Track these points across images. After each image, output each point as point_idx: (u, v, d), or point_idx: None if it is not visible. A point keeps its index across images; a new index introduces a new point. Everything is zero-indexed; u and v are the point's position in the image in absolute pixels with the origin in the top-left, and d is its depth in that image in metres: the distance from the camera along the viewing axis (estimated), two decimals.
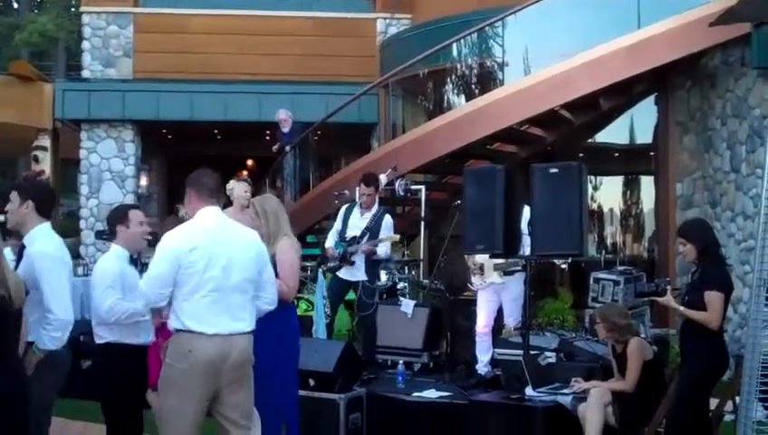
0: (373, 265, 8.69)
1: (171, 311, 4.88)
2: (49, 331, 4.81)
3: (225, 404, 4.87)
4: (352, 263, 8.62)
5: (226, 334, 4.79)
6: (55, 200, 5.31)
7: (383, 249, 8.71)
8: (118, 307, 5.19)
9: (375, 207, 8.80)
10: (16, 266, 4.94)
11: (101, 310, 5.22)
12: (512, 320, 7.92)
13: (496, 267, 7.86)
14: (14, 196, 5.09)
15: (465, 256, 8.24)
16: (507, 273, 7.87)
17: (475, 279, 8.12)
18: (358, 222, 8.73)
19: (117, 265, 5.35)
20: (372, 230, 8.68)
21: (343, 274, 8.69)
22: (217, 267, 4.80)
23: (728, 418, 6.47)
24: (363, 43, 15.65)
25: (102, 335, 5.33)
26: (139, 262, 5.64)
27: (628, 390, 6.16)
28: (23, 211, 5.06)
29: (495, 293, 8.02)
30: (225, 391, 4.83)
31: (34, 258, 4.90)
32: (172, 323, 4.85)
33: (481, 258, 7.99)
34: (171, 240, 4.89)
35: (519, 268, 7.81)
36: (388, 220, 8.77)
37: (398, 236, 8.69)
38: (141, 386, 5.43)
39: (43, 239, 5.02)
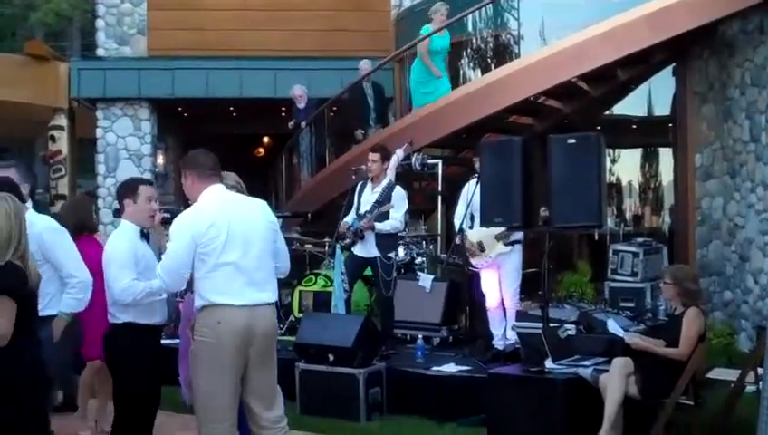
0: (385, 239, 8.49)
1: (194, 290, 4.88)
2: (74, 294, 4.90)
3: (254, 379, 4.88)
4: (362, 237, 8.51)
5: (253, 305, 4.81)
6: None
7: (391, 224, 8.45)
8: (132, 288, 5.08)
9: (385, 181, 8.64)
10: None
11: (115, 290, 5.11)
12: (510, 292, 7.89)
13: (498, 237, 7.85)
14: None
15: (460, 240, 8.22)
16: (509, 243, 7.86)
17: (475, 260, 8.10)
18: (369, 196, 8.62)
19: (128, 242, 5.23)
20: (381, 203, 8.48)
21: (358, 250, 8.59)
22: (237, 241, 4.82)
23: (750, 389, 6.43)
24: (378, 18, 15.54)
25: (117, 315, 5.22)
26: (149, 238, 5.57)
27: (681, 358, 6.06)
28: None
29: (497, 266, 7.99)
30: (253, 364, 4.85)
31: (39, 235, 4.91)
32: (197, 302, 4.85)
33: (476, 236, 7.98)
34: (185, 221, 4.89)
35: (515, 239, 7.83)
36: (398, 192, 8.54)
37: (391, 205, 8.40)
38: (156, 365, 5.38)
39: (38, 219, 5.09)
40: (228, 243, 4.79)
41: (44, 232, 4.96)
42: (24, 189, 5.27)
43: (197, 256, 4.79)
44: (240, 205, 5.06)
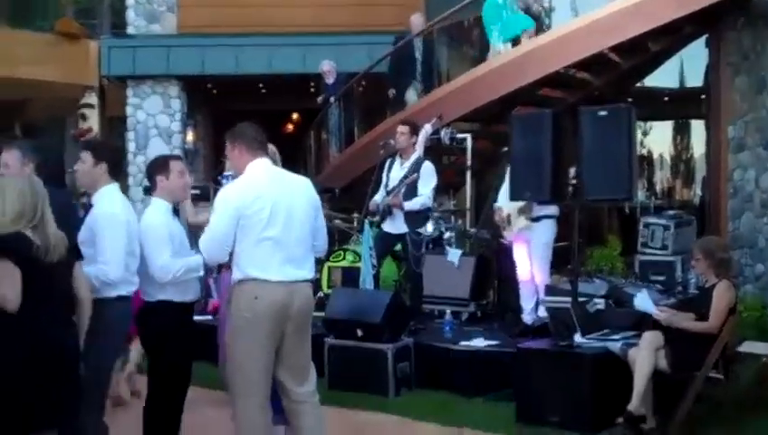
0: (414, 215, 8.46)
1: (234, 262, 4.88)
2: (97, 273, 4.80)
3: (288, 355, 4.91)
4: (390, 213, 8.50)
5: (290, 281, 4.83)
6: (123, 162, 5.35)
7: (420, 201, 8.40)
8: (171, 266, 5.08)
9: (414, 155, 8.63)
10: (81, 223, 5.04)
11: (154, 268, 5.09)
12: (540, 267, 7.84)
13: (520, 211, 7.81)
14: (86, 156, 5.10)
15: (493, 212, 8.20)
16: (534, 219, 7.81)
17: (506, 232, 8.08)
18: (398, 172, 8.61)
19: (163, 218, 5.21)
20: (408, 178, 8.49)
21: (387, 227, 8.60)
22: (280, 217, 4.83)
23: None
24: None
25: (152, 293, 5.20)
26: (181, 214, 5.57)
27: (711, 332, 5.98)
28: (97, 172, 5.08)
29: (526, 240, 7.95)
30: (288, 339, 4.87)
31: (95, 217, 4.94)
32: (235, 275, 4.86)
33: (506, 209, 7.95)
34: (231, 193, 4.90)
35: (546, 214, 7.76)
36: (427, 167, 8.50)
37: (417, 176, 8.36)
38: (188, 342, 5.37)
39: (109, 200, 5.04)
40: (271, 218, 4.80)
41: (99, 216, 4.97)
42: (28, 168, 5.22)
43: (240, 229, 4.79)
44: (285, 181, 5.06)
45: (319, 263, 9.45)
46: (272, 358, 4.86)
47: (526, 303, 7.98)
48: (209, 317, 8.65)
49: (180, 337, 5.26)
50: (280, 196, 4.87)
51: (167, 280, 5.10)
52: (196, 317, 5.87)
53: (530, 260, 7.92)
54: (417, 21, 12.80)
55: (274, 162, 5.51)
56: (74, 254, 4.54)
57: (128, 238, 4.95)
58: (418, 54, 12.49)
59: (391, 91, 12.35)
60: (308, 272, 4.98)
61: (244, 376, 4.83)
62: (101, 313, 4.71)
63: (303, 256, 4.95)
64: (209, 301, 9.12)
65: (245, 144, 5.02)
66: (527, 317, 7.95)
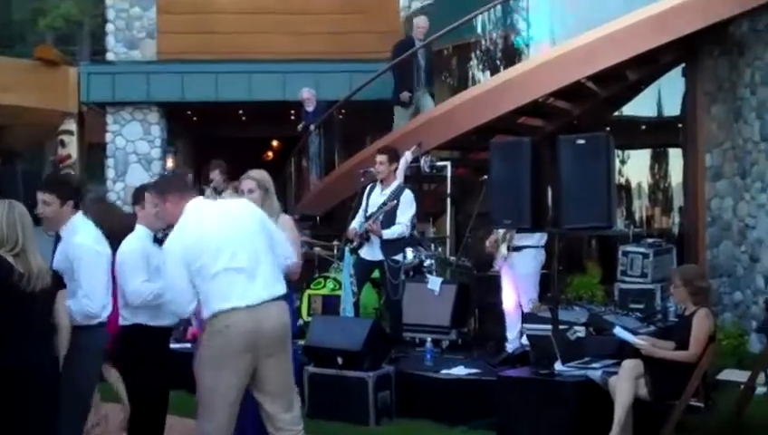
0: (390, 242, 8.47)
1: (201, 303, 4.86)
2: (74, 309, 4.82)
3: (267, 380, 4.87)
4: (368, 239, 8.50)
5: (257, 304, 4.78)
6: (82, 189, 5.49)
7: (398, 230, 8.42)
8: (143, 289, 5.27)
9: (394, 183, 8.66)
10: (52, 257, 5.10)
11: (126, 292, 5.29)
12: (524, 297, 7.87)
13: (502, 240, 7.88)
14: (51, 198, 5.14)
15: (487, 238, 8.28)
16: (515, 248, 7.85)
17: (496, 258, 8.15)
18: (377, 199, 8.62)
19: (140, 245, 5.41)
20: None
21: (365, 253, 8.60)
22: (227, 246, 4.80)
23: (760, 390, 6.39)
24: (386, 19, 15.51)
25: (127, 317, 5.39)
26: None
27: (691, 360, 6.01)
28: (65, 211, 5.15)
29: (510, 268, 7.99)
30: (263, 364, 4.83)
31: (74, 249, 4.98)
32: (204, 313, 4.84)
33: (497, 235, 8.03)
34: (173, 244, 4.88)
35: (527, 244, 7.80)
36: (406, 195, 8.54)
37: (395, 202, 8.35)
38: (165, 367, 5.48)
39: (83, 230, 5.12)
40: (219, 251, 4.78)
41: (76, 247, 5.00)
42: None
43: (194, 273, 4.78)
44: (220, 209, 5.09)
45: (299, 291, 9.43)
46: (241, 385, 4.82)
47: (509, 331, 8.00)
48: (187, 345, 8.60)
49: (155, 362, 5.37)
50: (220, 226, 4.87)
51: (137, 304, 5.29)
52: (174, 345, 5.90)
53: (515, 289, 7.95)
54: (421, 23, 12.66)
55: (266, 189, 5.65)
56: (58, 283, 4.63)
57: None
58: (422, 60, 12.42)
59: (405, 94, 12.23)
60: (272, 290, 4.88)
61: (210, 399, 4.80)
62: (80, 339, 4.76)
63: (265, 273, 4.88)
64: (188, 328, 9.08)
65: (176, 194, 5.03)
66: (510, 346, 7.96)
